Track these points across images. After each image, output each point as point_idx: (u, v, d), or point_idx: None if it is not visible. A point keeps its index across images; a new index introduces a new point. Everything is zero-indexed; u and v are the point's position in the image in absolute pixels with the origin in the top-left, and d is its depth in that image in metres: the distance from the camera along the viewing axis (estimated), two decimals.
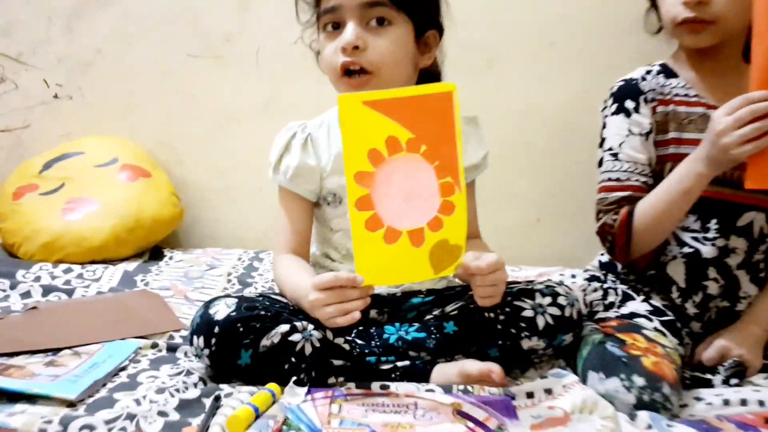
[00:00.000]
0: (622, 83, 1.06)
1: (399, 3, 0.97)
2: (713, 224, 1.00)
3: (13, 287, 1.22)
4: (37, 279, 1.27)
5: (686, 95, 1.03)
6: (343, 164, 0.83)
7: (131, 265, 1.39)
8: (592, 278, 1.14)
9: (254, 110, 1.61)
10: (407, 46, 1.00)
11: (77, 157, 1.53)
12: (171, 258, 1.46)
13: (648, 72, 1.06)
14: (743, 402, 0.88)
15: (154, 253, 1.49)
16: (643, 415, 0.81)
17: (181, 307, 1.17)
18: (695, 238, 1.01)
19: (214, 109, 1.64)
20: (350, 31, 0.95)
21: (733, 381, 0.94)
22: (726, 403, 0.88)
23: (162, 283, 1.29)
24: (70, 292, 1.22)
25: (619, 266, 1.09)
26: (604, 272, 1.13)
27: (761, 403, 0.87)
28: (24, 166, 1.55)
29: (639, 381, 0.84)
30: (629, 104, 1.03)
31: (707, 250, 1.00)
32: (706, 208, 0.99)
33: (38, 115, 1.67)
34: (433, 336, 0.98)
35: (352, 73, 0.97)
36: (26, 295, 1.21)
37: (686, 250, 1.01)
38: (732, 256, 1.00)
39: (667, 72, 1.05)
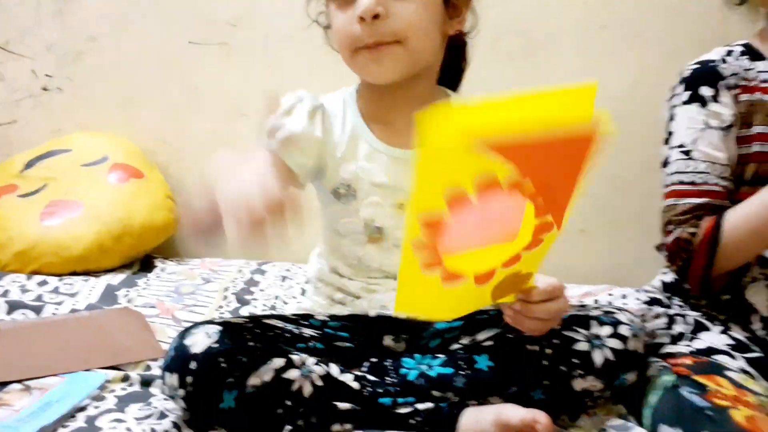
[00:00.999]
0: (696, 66, 0.87)
1: None
2: None
3: None
4: (5, 294, 1.11)
5: None
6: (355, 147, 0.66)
7: (116, 278, 1.22)
8: (652, 301, 0.95)
9: (261, 103, 1.45)
10: (433, 11, 0.82)
11: (63, 155, 1.39)
12: (162, 270, 1.30)
13: (729, 53, 0.87)
14: None
15: (145, 264, 1.33)
16: None
17: (166, 329, 1.01)
18: None
19: (219, 102, 1.49)
20: None
21: None
22: None
23: (148, 300, 1.13)
24: (38, 309, 1.06)
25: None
26: (668, 294, 0.93)
27: None
28: (5, 164, 1.40)
29: None
30: (706, 92, 0.84)
31: None
32: None
33: (26, 109, 1.53)
34: (462, 372, 0.81)
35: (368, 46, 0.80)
36: None
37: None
38: None
39: (752, 53, 0.86)
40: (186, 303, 1.13)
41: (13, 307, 1.06)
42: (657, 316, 0.92)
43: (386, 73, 0.82)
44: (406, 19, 0.80)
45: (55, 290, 1.15)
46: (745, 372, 0.77)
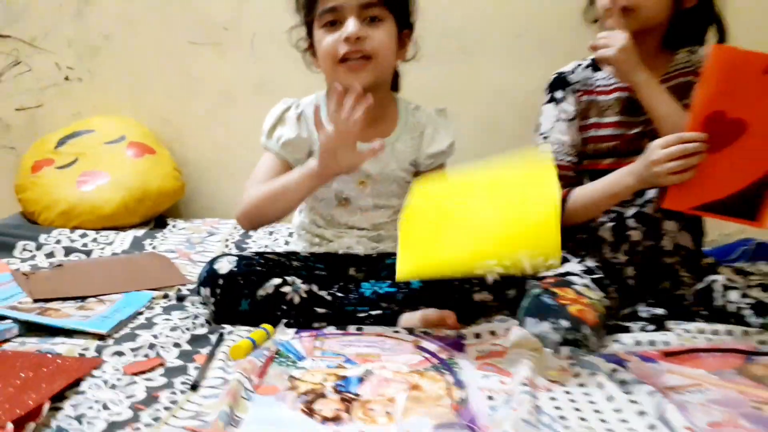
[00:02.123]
0: (555, 76, 1.25)
1: (388, 4, 1.15)
2: None
3: (38, 248, 1.40)
4: (58, 242, 1.45)
5: (606, 85, 1.21)
6: None
7: (139, 232, 1.56)
8: None
9: (249, 91, 1.77)
10: (394, 39, 1.18)
11: (88, 135, 1.70)
12: (174, 226, 1.64)
13: (578, 65, 1.24)
14: (651, 343, 1.07)
15: (159, 222, 1.67)
16: (565, 350, 1.01)
17: (186, 266, 1.35)
18: (619, 204, 1.20)
19: (212, 90, 1.80)
20: (353, 24, 1.12)
21: (650, 328, 1.14)
22: (637, 343, 1.07)
23: (168, 247, 1.48)
24: (88, 253, 1.40)
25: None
26: None
27: (666, 344, 1.07)
28: (40, 142, 1.71)
29: (564, 323, 1.03)
30: (558, 94, 1.22)
31: (628, 212, 1.20)
32: None
33: (50, 95, 1.82)
34: (402, 291, 1.15)
35: (349, 60, 1.14)
36: (50, 255, 1.39)
37: (612, 215, 1.21)
38: (648, 206, 1.19)
39: (594, 66, 1.24)
40: (197, 250, 1.48)
41: (69, 251, 1.40)
42: None
43: (360, 83, 1.14)
44: (378, 42, 1.14)
45: (95, 240, 1.49)
46: (586, 286, 1.15)
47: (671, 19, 1.18)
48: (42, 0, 1.79)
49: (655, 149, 1.06)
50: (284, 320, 1.09)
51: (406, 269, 0.99)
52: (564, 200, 1.18)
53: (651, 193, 1.18)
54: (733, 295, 1.16)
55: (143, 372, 0.90)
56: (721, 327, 1.11)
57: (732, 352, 1.04)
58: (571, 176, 1.22)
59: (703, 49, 1.22)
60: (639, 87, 1.13)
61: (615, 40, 1.12)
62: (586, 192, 1.19)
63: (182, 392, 0.85)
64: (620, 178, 1.14)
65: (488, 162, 1.01)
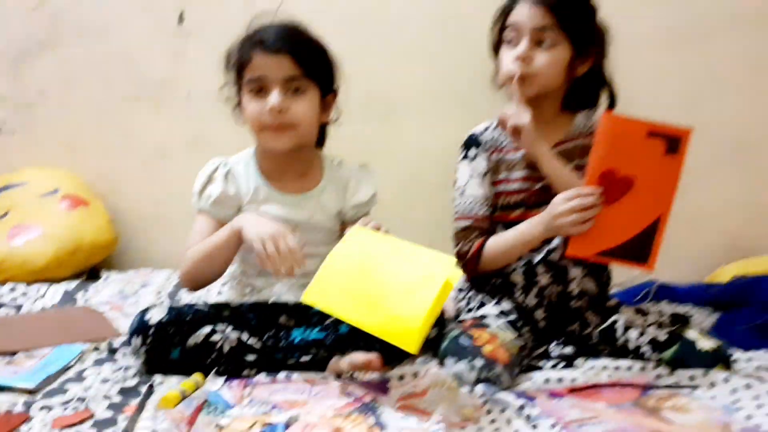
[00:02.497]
0: (468, 136, 1.37)
1: (311, 75, 1.24)
2: None
3: None
4: None
5: (514, 145, 1.33)
6: (258, 195, 1.12)
7: (71, 285, 1.58)
8: (460, 290, 1.43)
9: (184, 147, 1.82)
10: (316, 107, 1.27)
11: (21, 187, 1.71)
12: (107, 278, 1.66)
13: (488, 127, 1.37)
14: (560, 379, 1.17)
15: (92, 274, 1.68)
16: (479, 387, 1.09)
17: (118, 319, 1.37)
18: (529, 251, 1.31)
19: (148, 145, 1.85)
20: (276, 97, 1.21)
21: (559, 366, 1.24)
22: (547, 381, 1.17)
23: (100, 299, 1.49)
24: (18, 308, 1.41)
25: (478, 280, 1.38)
26: (468, 285, 1.41)
27: (572, 380, 1.17)
28: None
29: (479, 363, 1.12)
30: (472, 152, 1.34)
31: (537, 257, 1.31)
32: None
33: None
34: (330, 335, 1.21)
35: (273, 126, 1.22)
36: None
37: (522, 261, 1.32)
38: (554, 253, 1.30)
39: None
40: (130, 301, 1.50)
41: None
42: (462, 299, 1.40)
43: (282, 147, 1.25)
44: (299, 113, 1.23)
45: (24, 294, 1.49)
46: (500, 328, 1.24)
47: (568, 85, 1.32)
48: None
49: (558, 203, 1.18)
50: (215, 369, 1.13)
51: (312, 294, 1.08)
52: (480, 249, 1.29)
53: (556, 241, 1.29)
54: (633, 334, 1.27)
55: (72, 425, 0.93)
56: (622, 363, 1.22)
57: (630, 386, 1.15)
58: (486, 227, 1.33)
59: (597, 115, 1.36)
60: (536, 156, 1.27)
61: (520, 118, 1.25)
62: (500, 241, 1.29)
63: None
64: (529, 228, 1.25)
65: (410, 244, 1.12)
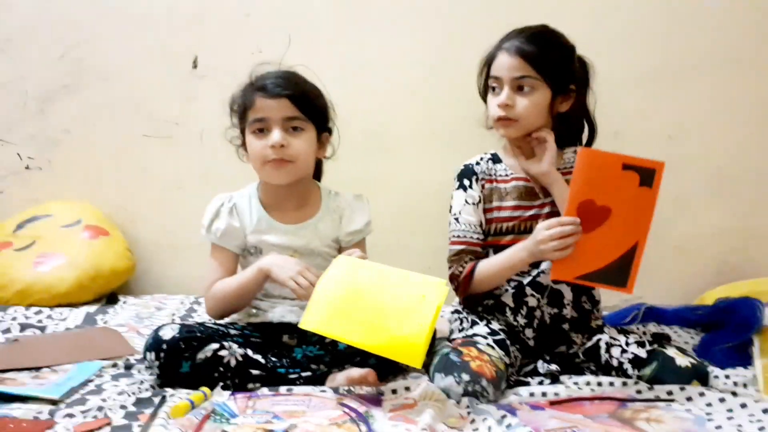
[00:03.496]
0: (463, 167, 1.47)
1: (308, 115, 1.37)
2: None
3: None
4: (14, 318, 1.56)
5: (506, 175, 1.44)
6: (260, 226, 1.25)
7: (92, 308, 1.69)
8: (455, 311, 1.51)
9: (196, 180, 1.95)
10: (313, 144, 1.40)
11: (46, 219, 1.84)
12: (125, 302, 1.76)
13: (481, 158, 1.47)
14: (544, 394, 1.24)
15: (111, 299, 1.79)
16: (465, 400, 1.17)
17: (134, 339, 1.48)
18: (518, 273, 1.40)
19: (163, 179, 1.97)
20: (277, 134, 1.34)
21: (546, 382, 1.31)
22: (531, 395, 1.24)
23: (118, 321, 1.60)
24: (43, 329, 1.51)
25: (471, 301, 1.47)
26: (462, 306, 1.50)
27: (556, 394, 1.24)
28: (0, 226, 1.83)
29: (466, 377, 1.20)
30: (466, 182, 1.44)
31: (525, 280, 1.40)
32: None
33: (11, 182, 1.96)
34: (329, 353, 1.31)
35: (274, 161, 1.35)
36: (7, 331, 1.49)
37: (513, 284, 1.41)
38: (541, 276, 1.39)
39: (495, 158, 1.47)
40: (146, 324, 1.60)
41: (24, 327, 1.51)
42: (456, 320, 1.49)
43: (283, 180, 1.38)
44: (297, 149, 1.36)
45: (50, 317, 1.60)
46: (489, 345, 1.33)
47: (554, 122, 1.42)
48: (6, 96, 1.95)
49: (541, 230, 1.27)
50: (221, 382, 1.22)
51: (310, 321, 1.18)
52: (472, 271, 1.38)
53: (545, 265, 1.39)
54: (615, 351, 1.35)
55: (92, 431, 1.02)
56: (605, 379, 1.29)
57: (609, 399, 1.22)
58: (478, 251, 1.43)
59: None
60: (552, 179, 1.38)
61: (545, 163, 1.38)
62: (490, 264, 1.39)
63: None
64: (515, 253, 1.35)
65: (398, 270, 1.23)
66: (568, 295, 1.40)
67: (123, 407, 1.11)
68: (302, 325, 1.18)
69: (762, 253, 1.91)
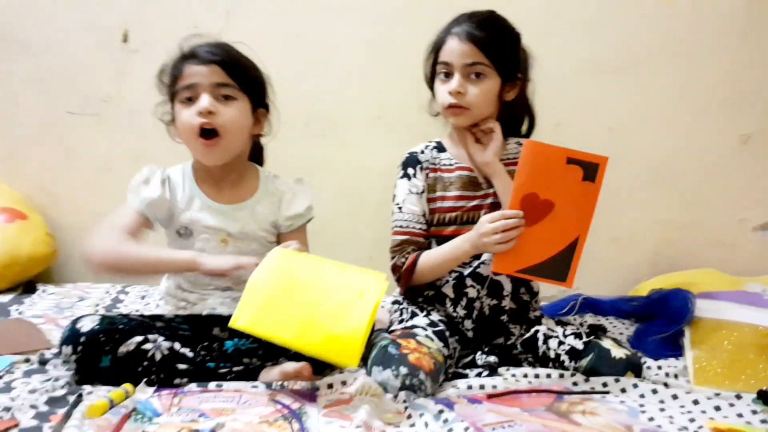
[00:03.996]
0: (408, 155, 1.43)
1: (241, 85, 1.29)
2: None
3: None
4: None
5: (450, 164, 1.41)
6: (192, 204, 1.21)
7: (6, 298, 1.57)
8: (395, 302, 1.48)
9: (126, 162, 1.83)
10: (247, 117, 1.32)
11: None
12: (44, 291, 1.65)
13: (426, 147, 1.43)
14: (482, 386, 1.22)
15: (28, 287, 1.67)
16: (402, 395, 1.14)
17: (53, 331, 1.38)
18: (459, 265, 1.38)
19: (90, 159, 1.86)
20: (205, 99, 1.26)
21: (484, 374, 1.30)
22: (469, 387, 1.22)
23: (35, 312, 1.49)
24: None
25: (412, 292, 1.44)
26: (402, 297, 1.47)
27: (493, 387, 1.23)
28: None
29: (403, 370, 1.17)
30: (410, 171, 1.40)
31: (465, 271, 1.38)
32: None
33: None
34: (262, 345, 1.23)
35: (206, 134, 1.27)
36: None
37: (453, 275, 1.38)
38: (482, 267, 1.37)
39: (440, 147, 1.44)
40: (66, 315, 1.50)
41: None
42: (396, 311, 1.45)
43: (215, 160, 1.30)
44: (228, 118, 1.27)
45: None
46: (428, 337, 1.30)
47: (498, 111, 1.40)
48: None
49: (484, 223, 1.25)
50: (145, 378, 1.15)
51: (240, 319, 1.11)
52: (414, 263, 1.35)
53: (486, 256, 1.37)
54: (552, 343, 1.34)
55: None
56: (542, 371, 1.29)
57: (546, 392, 1.22)
58: (421, 242, 1.39)
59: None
60: (494, 170, 1.36)
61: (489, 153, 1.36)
62: (432, 256, 1.36)
63: None
64: (459, 245, 1.32)
65: (337, 263, 1.18)
66: (507, 286, 1.38)
67: (33, 407, 1.02)
68: (232, 324, 1.11)
69: (695, 244, 1.96)
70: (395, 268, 1.37)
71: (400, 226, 1.39)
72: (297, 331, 1.10)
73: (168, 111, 1.34)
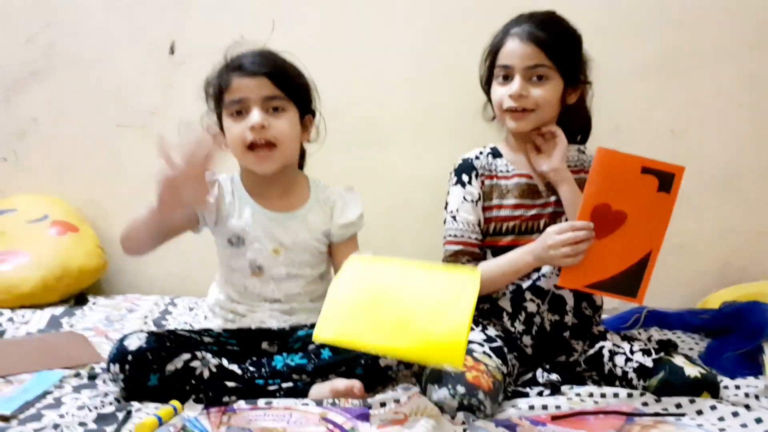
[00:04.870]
0: (461, 161, 1.37)
1: (289, 95, 1.26)
2: None
3: None
4: None
5: (507, 171, 1.34)
6: (243, 210, 1.21)
7: (58, 310, 1.57)
8: None
9: None
10: (296, 126, 1.29)
11: (10, 214, 1.72)
12: (95, 303, 1.65)
13: (481, 153, 1.37)
14: (544, 407, 1.15)
15: (79, 299, 1.67)
16: (460, 416, 1.07)
17: (102, 344, 1.36)
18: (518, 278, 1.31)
19: (139, 172, 1.82)
20: (257, 114, 1.23)
21: (545, 393, 1.22)
22: (531, 407, 1.15)
23: (86, 325, 1.48)
24: (2, 333, 1.39)
25: None
26: None
27: (557, 407, 1.15)
28: None
29: (461, 389, 1.11)
30: (465, 178, 1.34)
31: (524, 283, 1.31)
32: None
33: None
34: (312, 362, 1.21)
35: (256, 147, 1.24)
36: None
37: (511, 287, 1.31)
38: (542, 280, 1.30)
39: (495, 153, 1.37)
40: (116, 327, 1.49)
41: None
42: None
43: (268, 169, 1.27)
44: (280, 130, 1.25)
45: (11, 320, 1.48)
46: (485, 353, 1.23)
47: (558, 118, 1.33)
48: None
49: (551, 235, 1.19)
50: (193, 396, 1.11)
51: (324, 333, 1.03)
52: None
53: (546, 269, 1.29)
54: (619, 360, 1.26)
55: None
56: (608, 390, 1.21)
57: (615, 413, 1.13)
58: (476, 252, 1.33)
59: (590, 149, 1.38)
60: (562, 177, 1.28)
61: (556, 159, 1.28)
62: (492, 267, 1.29)
63: None
64: (521, 256, 1.25)
65: (422, 263, 1.12)
66: (570, 301, 1.31)
67: (82, 424, 1.00)
68: (315, 338, 1.04)
69: (767, 254, 1.83)
70: None
71: (454, 236, 1.32)
72: (391, 335, 1.02)
73: (215, 122, 1.32)
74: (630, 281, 1.18)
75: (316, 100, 1.34)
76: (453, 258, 1.31)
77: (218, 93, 1.28)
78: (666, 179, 1.15)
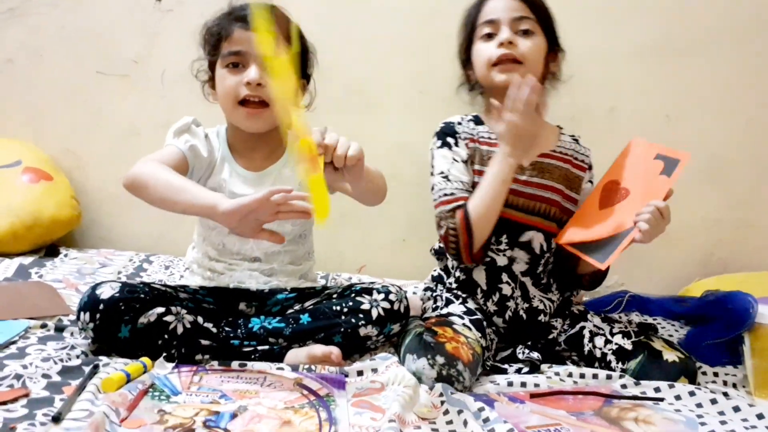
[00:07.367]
0: (443, 125, 1.33)
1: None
2: (504, 239, 1.27)
3: None
4: None
5: (488, 138, 1.30)
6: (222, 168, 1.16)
7: (27, 260, 1.51)
8: (427, 289, 1.39)
9: (156, 126, 1.76)
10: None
11: None
12: (66, 255, 1.59)
13: (462, 119, 1.34)
14: (523, 384, 1.13)
15: (51, 251, 1.62)
16: (438, 387, 1.05)
17: (72, 297, 1.31)
18: (492, 251, 1.27)
19: (118, 122, 1.79)
20: (255, 71, 1.17)
21: (524, 370, 1.21)
22: (510, 384, 1.13)
23: (56, 276, 1.43)
24: None
25: (446, 278, 1.35)
26: (435, 284, 1.38)
27: (536, 385, 1.13)
28: None
29: (440, 359, 1.08)
30: (450, 140, 1.30)
31: (500, 260, 1.27)
32: (498, 226, 1.23)
33: None
34: (290, 326, 1.17)
35: (248, 104, 1.19)
36: None
37: (486, 260, 1.28)
38: (515, 265, 1.27)
39: (477, 120, 1.34)
40: (87, 281, 1.44)
41: None
42: (429, 299, 1.36)
43: (258, 128, 1.22)
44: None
45: None
46: (465, 326, 1.21)
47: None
48: None
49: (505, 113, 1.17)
50: (165, 352, 1.07)
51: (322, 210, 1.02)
52: (465, 216, 1.20)
53: (520, 254, 1.27)
54: (599, 341, 1.24)
55: (4, 403, 0.87)
56: (588, 371, 1.19)
57: (593, 395, 1.12)
58: None
59: (582, 141, 1.38)
60: (505, 163, 1.19)
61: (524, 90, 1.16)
62: (480, 194, 1.21)
63: (42, 424, 0.83)
64: (498, 165, 1.20)
65: None
66: (533, 290, 1.29)
67: (46, 376, 0.96)
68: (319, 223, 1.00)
69: (751, 246, 1.82)
70: (448, 237, 1.22)
71: (450, 194, 1.24)
72: None
73: (205, 69, 1.26)
74: (605, 248, 1.20)
75: (313, 65, 1.29)
76: (450, 214, 1.23)
77: (216, 41, 1.23)
78: (670, 164, 1.20)
